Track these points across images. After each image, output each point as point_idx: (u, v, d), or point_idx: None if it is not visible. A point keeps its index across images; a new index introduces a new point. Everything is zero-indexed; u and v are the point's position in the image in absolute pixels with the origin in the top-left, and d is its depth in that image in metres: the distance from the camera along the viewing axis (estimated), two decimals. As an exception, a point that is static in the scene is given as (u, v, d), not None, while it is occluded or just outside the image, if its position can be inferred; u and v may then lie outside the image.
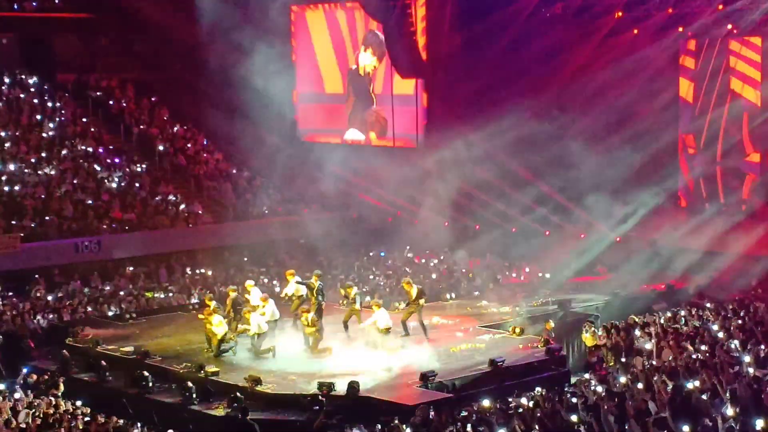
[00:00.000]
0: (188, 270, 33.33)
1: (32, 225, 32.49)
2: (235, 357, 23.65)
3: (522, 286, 31.66)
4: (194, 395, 21.20)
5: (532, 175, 34.99)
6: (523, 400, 18.93)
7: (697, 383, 18.48)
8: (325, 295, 24.74)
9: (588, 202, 33.85)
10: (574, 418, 17.03)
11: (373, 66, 38.52)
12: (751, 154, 34.19)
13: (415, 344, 24.39)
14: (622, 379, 19.30)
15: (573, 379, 22.21)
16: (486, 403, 18.94)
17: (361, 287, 30.47)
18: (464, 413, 18.44)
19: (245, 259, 34.10)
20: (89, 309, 28.97)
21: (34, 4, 40.60)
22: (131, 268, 32.76)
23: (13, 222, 32.25)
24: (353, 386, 20.60)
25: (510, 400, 19.23)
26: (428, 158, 35.76)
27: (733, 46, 34.02)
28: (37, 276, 30.75)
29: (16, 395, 20.55)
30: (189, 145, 39.53)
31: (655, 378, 19.25)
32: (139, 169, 37.12)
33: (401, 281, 25.67)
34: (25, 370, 22.54)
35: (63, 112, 38.85)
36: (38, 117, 37.97)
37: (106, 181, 35.79)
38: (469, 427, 17.47)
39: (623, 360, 23.02)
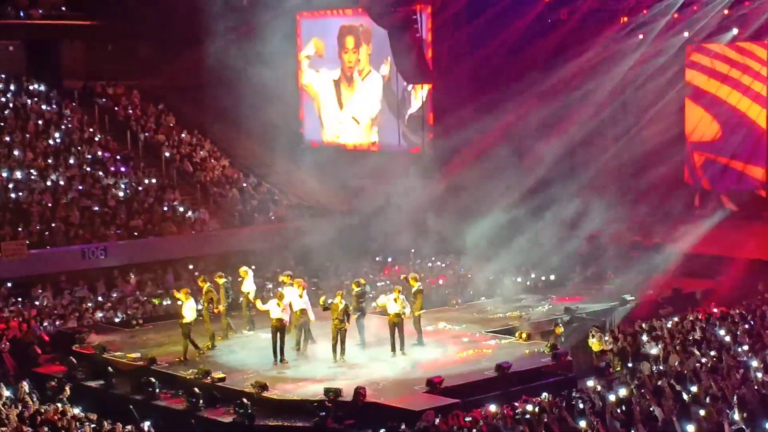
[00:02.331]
0: (195, 272, 33.28)
1: (39, 232, 32.54)
2: (242, 362, 23.68)
3: (528, 291, 31.63)
4: (201, 401, 21.23)
5: (539, 181, 35.06)
6: (530, 406, 18.90)
7: (704, 388, 18.46)
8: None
9: (593, 207, 33.89)
10: (581, 423, 17.01)
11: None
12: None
13: (421, 349, 24.40)
14: (623, 389, 19.26)
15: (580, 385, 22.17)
16: (492, 408, 18.93)
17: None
18: (470, 419, 18.43)
19: (252, 267, 33.97)
20: (96, 315, 29.00)
21: (41, 11, 40.68)
22: (137, 276, 32.76)
23: (20, 228, 32.30)
24: (360, 392, 20.59)
25: (516, 405, 19.21)
26: (434, 163, 35.78)
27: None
28: (40, 285, 30.70)
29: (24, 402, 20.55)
30: (197, 152, 39.54)
31: (661, 383, 19.22)
32: (145, 176, 37.14)
33: (409, 276, 25.49)
34: (24, 382, 22.40)
35: (69, 119, 38.92)
36: (45, 124, 38.05)
37: (112, 188, 35.83)
38: (475, 432, 17.48)
39: (630, 365, 22.98)
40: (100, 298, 30.58)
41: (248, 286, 26.46)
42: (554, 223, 34.74)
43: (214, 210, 36.63)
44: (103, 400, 22.26)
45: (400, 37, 35.03)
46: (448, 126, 36.28)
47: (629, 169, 36.53)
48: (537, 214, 35.01)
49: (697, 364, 20.81)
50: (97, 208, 34.37)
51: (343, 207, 37.90)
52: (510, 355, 23.51)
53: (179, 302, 24.48)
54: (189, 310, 24.01)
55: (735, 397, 17.48)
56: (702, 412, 16.54)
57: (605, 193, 34.73)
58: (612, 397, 18.60)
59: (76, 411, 20.41)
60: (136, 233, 33.94)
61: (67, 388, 21.82)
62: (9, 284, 30.51)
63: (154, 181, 37.04)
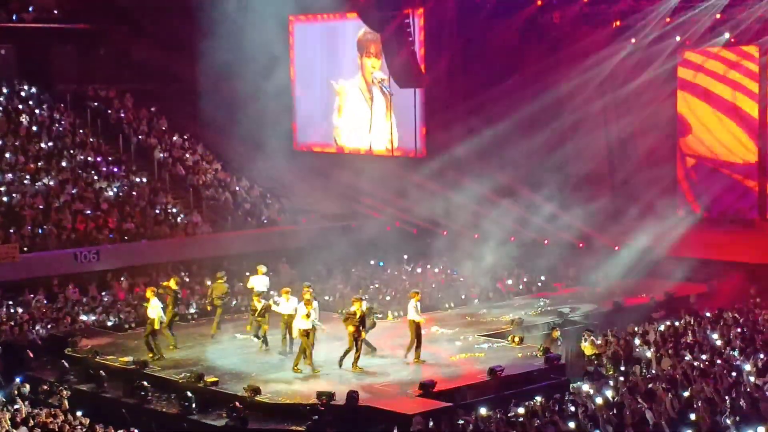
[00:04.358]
0: (186, 279, 33.22)
1: (31, 235, 32.48)
2: (235, 366, 23.66)
3: (521, 294, 31.66)
4: (193, 405, 21.21)
5: (530, 184, 35.13)
6: (522, 410, 18.91)
7: (696, 392, 18.49)
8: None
9: (587, 211, 33.97)
10: (572, 426, 17.02)
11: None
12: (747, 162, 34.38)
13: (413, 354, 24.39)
14: (609, 392, 19.29)
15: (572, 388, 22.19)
16: (484, 411, 18.94)
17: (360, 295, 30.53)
18: (462, 422, 18.44)
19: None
20: (89, 319, 28.94)
21: (32, 14, 40.61)
22: (129, 280, 32.70)
23: (12, 232, 32.22)
24: (352, 395, 20.59)
25: (509, 409, 19.22)
26: (427, 167, 35.80)
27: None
28: (27, 290, 30.61)
29: (16, 405, 20.50)
30: (188, 155, 39.53)
31: (652, 386, 19.25)
32: (137, 179, 37.12)
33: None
34: (18, 380, 22.44)
35: (62, 122, 38.87)
36: (37, 128, 37.99)
37: (104, 191, 35.78)
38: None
39: (622, 369, 23.01)
40: (91, 302, 30.49)
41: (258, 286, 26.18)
42: (547, 227, 34.88)
43: (206, 213, 36.60)
44: (95, 404, 22.22)
45: (392, 40, 35.04)
46: (441, 129, 36.32)
47: (619, 173, 36.60)
48: (529, 219, 35.14)
49: (689, 368, 20.85)
50: (89, 212, 34.31)
51: (336, 211, 37.89)
52: (503, 358, 23.55)
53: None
54: (153, 309, 23.98)
55: (727, 401, 17.52)
56: (692, 416, 16.59)
57: (591, 194, 34.85)
58: (599, 400, 18.63)
59: (78, 413, 20.41)
60: (128, 237, 33.89)
61: (59, 392, 21.80)
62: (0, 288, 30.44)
63: (145, 180, 36.99)
